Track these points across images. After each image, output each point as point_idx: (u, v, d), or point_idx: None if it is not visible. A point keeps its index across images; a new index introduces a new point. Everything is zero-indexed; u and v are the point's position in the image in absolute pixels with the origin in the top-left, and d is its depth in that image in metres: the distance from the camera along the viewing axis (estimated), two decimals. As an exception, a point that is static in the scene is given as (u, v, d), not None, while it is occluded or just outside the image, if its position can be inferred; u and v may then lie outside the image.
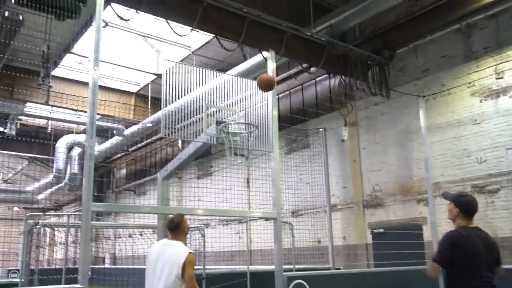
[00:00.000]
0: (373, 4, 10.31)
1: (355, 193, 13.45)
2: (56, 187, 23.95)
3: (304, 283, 7.58)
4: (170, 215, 4.89)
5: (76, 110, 18.43)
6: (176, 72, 7.10)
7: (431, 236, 10.47)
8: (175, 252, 4.40)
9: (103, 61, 16.12)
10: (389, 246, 11.38)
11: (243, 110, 7.72)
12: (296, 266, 10.27)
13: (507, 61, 10.42)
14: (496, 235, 10.13)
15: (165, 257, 4.39)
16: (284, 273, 7.44)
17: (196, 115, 7.09)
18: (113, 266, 23.93)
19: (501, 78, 10.52)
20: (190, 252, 4.41)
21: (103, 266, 24.69)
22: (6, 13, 10.04)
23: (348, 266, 12.57)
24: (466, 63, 11.22)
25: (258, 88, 6.87)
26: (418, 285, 9.38)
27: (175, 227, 4.63)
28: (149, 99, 18.98)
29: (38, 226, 8.28)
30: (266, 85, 6.68)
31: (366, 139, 13.37)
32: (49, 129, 23.27)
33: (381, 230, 12.63)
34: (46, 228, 14.56)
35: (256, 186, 15.21)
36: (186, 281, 4.25)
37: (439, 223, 10.62)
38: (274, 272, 7.50)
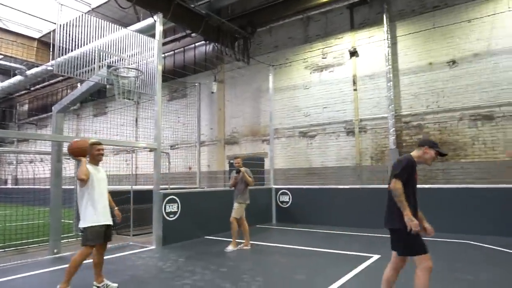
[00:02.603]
0: (242, -10, 9.90)
1: (219, 133, 13.34)
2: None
3: (176, 197, 7.36)
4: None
5: (-23, 48, 15.03)
6: (74, 25, 6.06)
7: (269, 165, 11.00)
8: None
9: (4, 5, 13.16)
10: (240, 172, 11.65)
11: (134, 63, 6.94)
12: (171, 186, 9.94)
13: (329, 47, 10.95)
14: (311, 166, 11.00)
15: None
16: (161, 191, 7.12)
17: (93, 63, 6.14)
18: (15, 187, 20.98)
19: (325, 58, 11.04)
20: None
21: (5, 187, 21.53)
22: None
23: (210, 186, 12.65)
24: (304, 44, 11.52)
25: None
26: (260, 199, 9.84)
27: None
28: (51, 45, 16.19)
29: None
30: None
31: (230, 93, 13.20)
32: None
33: (236, 161, 12.85)
34: None
35: (143, 124, 14.26)
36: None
37: (275, 156, 11.16)
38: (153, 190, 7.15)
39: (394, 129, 9.48)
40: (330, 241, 7.29)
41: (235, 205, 6.66)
